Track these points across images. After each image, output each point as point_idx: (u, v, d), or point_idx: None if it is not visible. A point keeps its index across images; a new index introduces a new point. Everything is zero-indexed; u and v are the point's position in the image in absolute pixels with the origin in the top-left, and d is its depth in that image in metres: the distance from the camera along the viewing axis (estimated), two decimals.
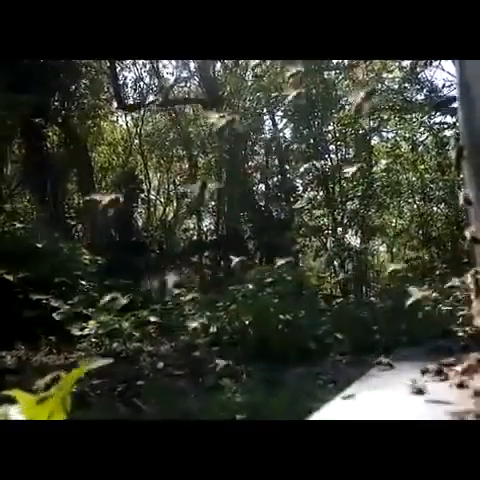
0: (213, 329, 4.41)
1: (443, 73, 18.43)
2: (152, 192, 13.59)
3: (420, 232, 10.38)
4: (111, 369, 3.42)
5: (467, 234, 2.12)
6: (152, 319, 4.54)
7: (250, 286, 4.86)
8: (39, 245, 5.72)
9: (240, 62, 11.68)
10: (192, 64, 12.91)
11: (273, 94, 10.06)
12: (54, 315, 4.47)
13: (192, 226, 12.84)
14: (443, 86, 9.79)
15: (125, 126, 14.36)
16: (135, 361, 3.98)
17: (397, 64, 10.65)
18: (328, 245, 9.84)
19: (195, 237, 12.22)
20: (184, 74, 13.63)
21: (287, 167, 10.88)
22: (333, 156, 9.94)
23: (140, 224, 12.21)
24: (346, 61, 10.82)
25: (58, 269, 5.49)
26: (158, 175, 14.31)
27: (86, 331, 4.24)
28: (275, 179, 11.13)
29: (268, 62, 10.07)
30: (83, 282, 5.56)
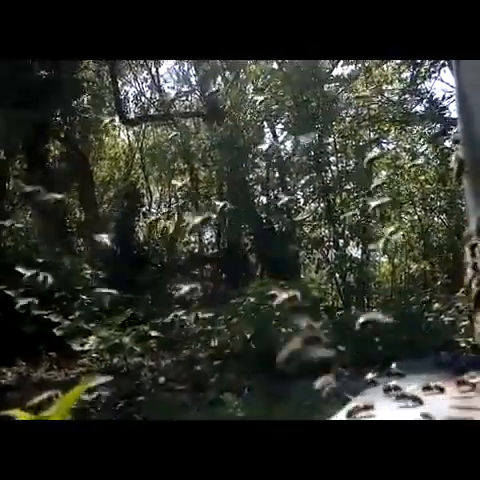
0: (215, 343, 4.38)
1: (442, 84, 18.53)
2: (153, 205, 13.63)
3: (421, 243, 10.36)
4: (112, 385, 3.39)
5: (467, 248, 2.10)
6: (153, 334, 4.51)
7: (251, 299, 4.83)
8: (40, 260, 5.71)
9: (240, 76, 11.77)
10: (193, 78, 13.03)
11: (273, 107, 10.11)
12: (55, 331, 4.45)
13: (193, 239, 12.84)
14: (443, 98, 9.83)
15: (126, 140, 14.44)
16: (136, 376, 3.95)
17: (397, 76, 10.71)
18: (329, 257, 9.82)
19: (196, 250, 12.22)
20: (185, 88, 13.75)
21: (288, 179, 10.90)
22: (334, 168, 9.95)
23: (141, 238, 12.22)
24: (346, 74, 10.89)
25: (59, 284, 5.47)
26: (159, 188, 14.34)
27: (87, 346, 4.21)
28: (276, 191, 11.14)
29: (269, 76, 10.15)
30: (84, 297, 5.53)
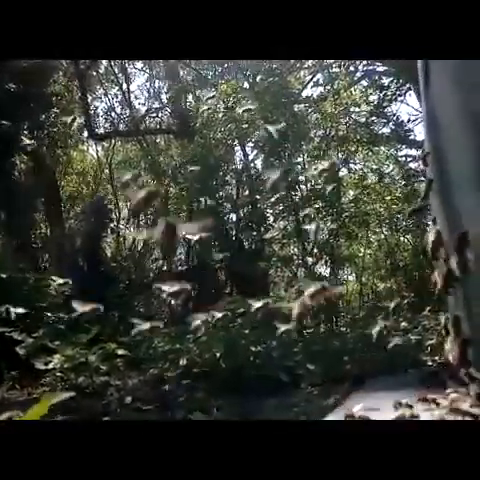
0: (183, 361, 4.32)
1: (408, 108, 19.11)
2: (122, 222, 13.47)
3: (388, 262, 10.55)
4: (76, 405, 3.30)
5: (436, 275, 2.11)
6: (120, 352, 4.41)
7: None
8: (4, 276, 5.55)
9: (212, 94, 11.85)
10: (164, 96, 13.07)
11: (244, 125, 10.20)
12: (17, 349, 4.30)
13: (162, 256, 12.72)
14: (408, 120, 10.15)
15: (95, 155, 14.31)
16: (102, 396, 3.85)
17: (364, 99, 11.00)
18: (299, 275, 9.88)
19: (165, 267, 12.09)
20: (156, 105, 13.76)
21: (258, 197, 10.96)
22: (303, 187, 10.07)
23: (109, 254, 12.04)
24: (315, 95, 11.13)
25: (23, 300, 5.31)
26: (128, 204, 14.20)
27: (51, 365, 4.08)
28: (246, 209, 11.19)
29: (239, 94, 10.25)
30: (49, 314, 5.39)
